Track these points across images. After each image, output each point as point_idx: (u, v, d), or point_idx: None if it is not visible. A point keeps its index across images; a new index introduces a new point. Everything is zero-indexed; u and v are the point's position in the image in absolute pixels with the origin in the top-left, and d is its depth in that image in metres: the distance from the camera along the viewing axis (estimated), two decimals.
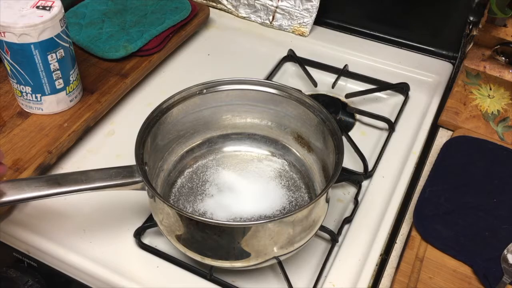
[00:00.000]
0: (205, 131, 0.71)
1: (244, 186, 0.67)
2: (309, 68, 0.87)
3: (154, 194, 0.55)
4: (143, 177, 0.55)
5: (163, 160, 0.67)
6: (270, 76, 0.86)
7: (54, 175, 0.56)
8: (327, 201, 0.60)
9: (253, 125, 0.71)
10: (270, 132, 0.71)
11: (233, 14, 1.00)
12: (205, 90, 0.67)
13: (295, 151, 0.70)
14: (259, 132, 0.72)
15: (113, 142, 0.75)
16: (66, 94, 0.73)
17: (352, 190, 0.71)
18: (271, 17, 0.97)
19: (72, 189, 0.56)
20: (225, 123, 0.71)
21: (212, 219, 0.61)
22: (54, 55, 0.68)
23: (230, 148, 0.72)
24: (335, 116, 0.80)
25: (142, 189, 0.57)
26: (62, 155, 0.71)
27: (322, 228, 0.62)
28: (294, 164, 0.70)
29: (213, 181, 0.68)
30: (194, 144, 0.71)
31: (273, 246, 0.55)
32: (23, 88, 0.71)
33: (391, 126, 0.78)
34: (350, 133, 0.78)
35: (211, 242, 0.55)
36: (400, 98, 0.85)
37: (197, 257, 0.57)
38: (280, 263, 0.58)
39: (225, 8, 1.01)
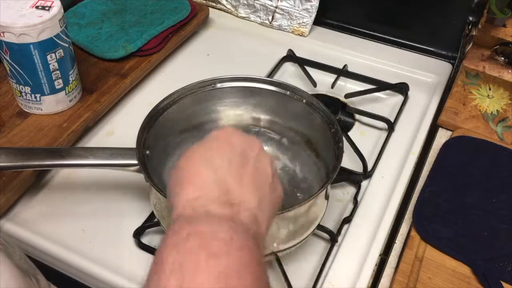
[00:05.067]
0: (212, 125, 0.71)
1: None
2: (308, 68, 0.87)
3: (148, 179, 0.55)
4: (138, 160, 0.56)
5: (170, 151, 0.67)
6: (270, 76, 0.86)
7: (59, 148, 0.57)
8: (327, 198, 0.60)
9: (261, 123, 0.71)
10: (277, 130, 0.71)
11: (233, 14, 1.00)
12: (219, 85, 0.67)
13: (303, 153, 0.70)
14: (265, 130, 0.72)
15: (112, 142, 0.75)
16: (66, 94, 0.73)
17: (351, 190, 0.71)
18: (270, 17, 0.97)
19: (74, 163, 0.58)
20: (233, 119, 0.71)
21: None
22: (53, 55, 0.68)
23: None
24: (335, 116, 0.80)
25: (140, 171, 0.58)
26: None
27: (322, 228, 0.63)
28: (298, 165, 0.70)
29: None
30: (199, 139, 0.70)
31: (272, 241, 0.55)
32: (22, 88, 0.71)
33: (391, 126, 0.78)
34: (349, 133, 0.78)
35: None
36: (399, 98, 0.85)
37: None
38: (278, 261, 0.58)
39: (224, 8, 1.01)
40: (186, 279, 0.31)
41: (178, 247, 0.33)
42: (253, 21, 0.99)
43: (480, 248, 0.61)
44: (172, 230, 0.35)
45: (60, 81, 0.72)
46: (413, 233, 0.63)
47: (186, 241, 0.33)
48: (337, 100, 0.84)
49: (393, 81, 0.85)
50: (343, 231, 0.65)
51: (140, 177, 0.58)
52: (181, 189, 0.40)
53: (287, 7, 0.95)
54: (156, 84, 0.85)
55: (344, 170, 0.70)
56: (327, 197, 0.61)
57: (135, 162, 0.57)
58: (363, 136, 0.79)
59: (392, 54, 0.92)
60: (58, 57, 0.69)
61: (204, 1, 1.02)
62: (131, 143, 0.59)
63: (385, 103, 0.84)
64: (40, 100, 0.72)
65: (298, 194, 0.66)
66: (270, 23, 0.98)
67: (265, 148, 0.71)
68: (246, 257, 0.33)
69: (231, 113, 0.71)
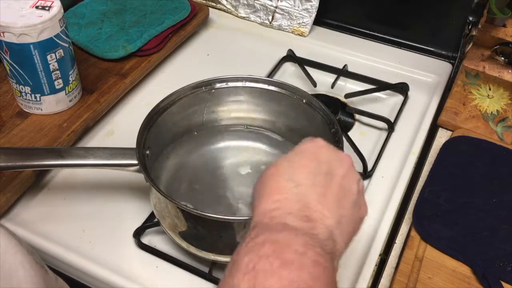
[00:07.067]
0: (211, 126, 0.71)
1: (247, 181, 0.67)
2: (308, 68, 0.87)
3: (148, 179, 0.56)
4: (138, 160, 0.57)
5: (169, 152, 0.68)
6: (270, 76, 0.86)
7: (59, 148, 0.57)
8: None
9: (261, 123, 0.72)
10: (277, 130, 0.71)
11: (233, 14, 1.00)
12: (218, 85, 0.67)
13: None
14: (265, 130, 0.72)
15: (112, 142, 0.75)
16: (66, 94, 0.73)
17: None
18: (270, 17, 0.97)
19: (74, 163, 0.59)
20: (231, 119, 0.71)
21: (209, 213, 0.60)
22: (53, 55, 0.68)
23: (234, 144, 0.72)
24: (335, 116, 0.80)
25: (140, 171, 0.58)
26: None
27: None
28: None
29: (214, 176, 0.68)
30: (201, 140, 0.71)
31: None
32: (22, 88, 0.71)
33: (391, 126, 0.78)
34: (349, 133, 0.78)
35: (211, 237, 0.56)
36: (399, 98, 0.85)
37: (194, 250, 0.57)
38: None
39: (224, 8, 1.01)
40: (258, 281, 0.32)
41: (254, 252, 0.34)
42: (253, 21, 0.99)
43: (480, 248, 0.61)
44: (249, 237, 0.36)
45: (60, 81, 0.72)
46: (413, 233, 0.63)
47: (261, 247, 0.35)
48: (337, 100, 0.84)
49: (393, 81, 0.86)
50: None
51: (140, 177, 0.58)
52: (262, 200, 0.40)
53: (287, 7, 0.95)
54: (156, 84, 0.85)
55: None
56: None
57: (135, 162, 0.58)
58: (363, 136, 0.79)
59: (392, 54, 0.92)
60: (58, 57, 0.69)
61: (204, 1, 1.02)
62: (131, 143, 0.59)
63: (385, 103, 0.84)
64: (40, 100, 0.72)
65: None
66: (270, 23, 0.98)
67: (265, 148, 0.72)
68: (317, 271, 0.34)
69: (231, 113, 0.71)
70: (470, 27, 0.79)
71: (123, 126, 0.77)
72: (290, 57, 0.90)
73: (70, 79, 0.73)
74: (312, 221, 0.38)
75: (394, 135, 0.78)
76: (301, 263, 0.34)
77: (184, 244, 0.58)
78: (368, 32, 0.96)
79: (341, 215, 0.41)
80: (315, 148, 0.44)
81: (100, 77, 0.80)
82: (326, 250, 0.37)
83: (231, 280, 0.33)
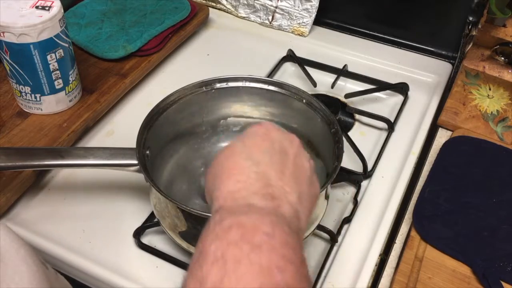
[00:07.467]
0: (211, 126, 0.71)
1: None
2: (308, 68, 0.87)
3: (148, 179, 0.56)
4: (138, 160, 0.57)
5: (169, 152, 0.68)
6: (270, 76, 0.86)
7: (59, 148, 0.57)
8: (327, 198, 0.60)
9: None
10: None
11: (233, 14, 1.00)
12: (218, 85, 0.67)
13: None
14: None
15: (112, 142, 0.75)
16: (66, 94, 0.73)
17: (351, 190, 0.71)
18: (270, 17, 0.97)
19: (74, 163, 0.59)
20: (231, 119, 0.71)
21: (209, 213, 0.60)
22: (53, 55, 0.68)
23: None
24: (335, 116, 0.80)
25: (140, 171, 0.58)
26: None
27: (322, 228, 0.63)
28: None
29: None
30: (200, 140, 0.71)
31: None
32: (22, 88, 0.71)
33: (391, 126, 0.78)
34: (349, 133, 0.78)
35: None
36: (399, 98, 0.85)
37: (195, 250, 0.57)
38: None
39: (224, 8, 1.01)
40: (228, 270, 0.31)
41: (221, 238, 0.33)
42: (253, 21, 0.99)
43: (480, 248, 0.61)
44: (214, 221, 0.35)
45: (60, 81, 0.72)
46: (413, 233, 0.63)
47: (228, 232, 0.33)
48: (337, 100, 0.84)
49: (393, 81, 0.86)
50: (343, 231, 0.65)
51: (140, 177, 0.58)
52: (222, 182, 0.40)
53: (287, 7, 0.95)
54: (156, 84, 0.85)
55: (344, 170, 0.70)
56: (327, 197, 0.61)
57: (135, 162, 0.58)
58: (363, 136, 0.79)
59: (392, 54, 0.92)
60: (58, 57, 0.69)
61: (204, 1, 1.02)
62: (131, 143, 0.59)
63: (385, 103, 0.84)
64: (40, 100, 0.72)
65: None
66: (270, 23, 0.98)
67: None
68: (288, 252, 0.33)
69: (231, 113, 0.71)
70: (470, 27, 0.79)
71: (123, 126, 0.77)
72: (290, 57, 0.90)
73: (70, 79, 0.73)
74: (277, 199, 0.38)
75: (394, 135, 0.78)
76: (271, 246, 0.33)
77: (184, 244, 0.58)
78: (368, 32, 0.96)
79: (300, 192, 0.41)
80: (265, 130, 0.45)
81: (100, 77, 0.80)
82: (293, 229, 0.36)
83: (199, 272, 0.32)
